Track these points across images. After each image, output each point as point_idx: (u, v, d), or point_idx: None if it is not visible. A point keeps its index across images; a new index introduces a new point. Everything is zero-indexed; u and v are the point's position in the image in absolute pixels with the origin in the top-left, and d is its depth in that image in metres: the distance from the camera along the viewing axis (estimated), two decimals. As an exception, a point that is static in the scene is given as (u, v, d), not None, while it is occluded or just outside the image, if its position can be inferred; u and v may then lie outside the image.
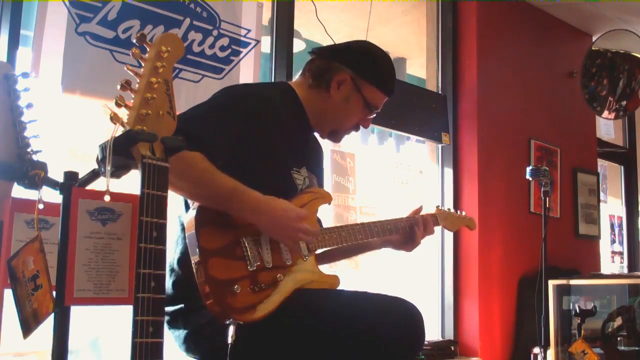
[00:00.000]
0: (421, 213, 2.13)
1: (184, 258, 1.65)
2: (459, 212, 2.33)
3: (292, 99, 1.93)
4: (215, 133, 1.66)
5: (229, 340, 1.52)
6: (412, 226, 2.07)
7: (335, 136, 2.03)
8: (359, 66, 1.93)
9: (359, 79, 1.92)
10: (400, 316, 1.67)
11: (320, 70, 1.94)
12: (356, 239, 1.92)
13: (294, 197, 1.81)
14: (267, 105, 1.80)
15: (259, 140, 1.75)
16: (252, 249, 1.66)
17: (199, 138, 1.58)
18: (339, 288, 1.86)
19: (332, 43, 3.50)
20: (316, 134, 2.05)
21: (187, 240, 1.62)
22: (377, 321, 1.63)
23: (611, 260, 5.78)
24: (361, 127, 2.03)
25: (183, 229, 1.69)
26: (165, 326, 1.76)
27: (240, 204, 1.62)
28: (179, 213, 1.77)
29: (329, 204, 1.94)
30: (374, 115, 2.02)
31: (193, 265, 1.59)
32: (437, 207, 2.27)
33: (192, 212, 1.63)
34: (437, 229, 3.96)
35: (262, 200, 1.64)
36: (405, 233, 2.07)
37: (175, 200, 1.74)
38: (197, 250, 1.58)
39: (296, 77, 2.03)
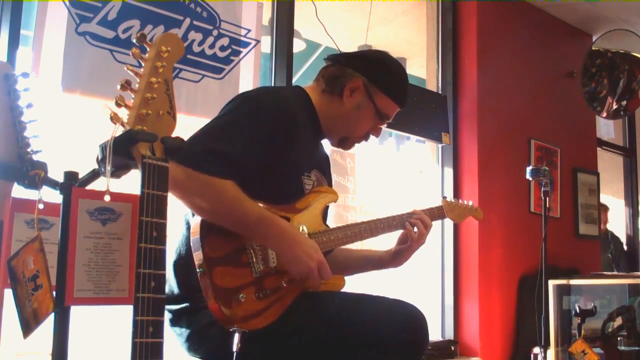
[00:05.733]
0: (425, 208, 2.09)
1: (190, 257, 1.65)
2: (465, 202, 2.29)
3: (307, 105, 1.92)
4: (243, 150, 1.67)
5: (234, 349, 1.53)
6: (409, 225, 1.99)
7: (345, 144, 2.01)
8: (373, 74, 1.91)
9: (372, 87, 1.90)
10: (404, 320, 1.66)
11: (333, 76, 1.93)
12: (362, 237, 1.91)
13: (299, 199, 1.82)
14: (290, 117, 1.79)
15: (279, 152, 1.75)
16: (258, 256, 1.66)
17: (226, 156, 1.62)
18: (342, 290, 1.87)
19: (332, 43, 3.52)
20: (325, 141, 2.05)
21: (191, 245, 1.63)
22: (381, 325, 1.63)
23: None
24: (372, 135, 2.01)
25: (189, 227, 1.69)
26: (168, 324, 1.76)
27: (265, 233, 1.65)
28: (185, 212, 1.77)
29: (335, 201, 1.93)
30: (385, 124, 2.00)
31: (197, 272, 1.59)
32: (444, 198, 2.23)
33: (198, 217, 1.64)
34: (438, 227, 4.04)
35: (287, 231, 1.66)
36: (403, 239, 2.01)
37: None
38: (202, 258, 1.58)
39: (310, 82, 2.01)
